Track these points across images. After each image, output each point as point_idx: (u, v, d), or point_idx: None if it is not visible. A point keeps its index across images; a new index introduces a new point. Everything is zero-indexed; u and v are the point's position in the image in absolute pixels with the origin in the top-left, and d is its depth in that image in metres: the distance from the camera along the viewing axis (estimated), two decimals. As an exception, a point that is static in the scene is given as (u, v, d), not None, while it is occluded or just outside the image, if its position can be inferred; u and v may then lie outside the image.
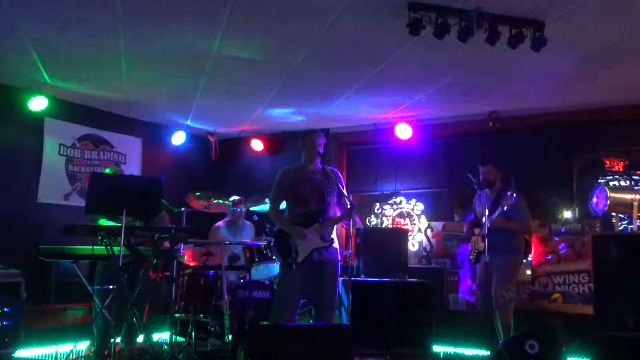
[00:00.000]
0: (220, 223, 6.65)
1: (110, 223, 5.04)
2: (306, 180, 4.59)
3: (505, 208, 5.14)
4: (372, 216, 7.83)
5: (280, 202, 4.70)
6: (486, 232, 5.24)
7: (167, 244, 4.95)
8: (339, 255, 4.66)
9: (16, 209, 6.41)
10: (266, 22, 4.64)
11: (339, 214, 4.67)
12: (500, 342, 5.12)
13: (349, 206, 4.48)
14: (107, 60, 5.61)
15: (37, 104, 6.48)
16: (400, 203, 7.82)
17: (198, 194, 6.22)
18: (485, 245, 5.26)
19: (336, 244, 4.65)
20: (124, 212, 4.45)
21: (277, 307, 4.57)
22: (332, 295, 4.57)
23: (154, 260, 5.21)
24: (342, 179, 4.72)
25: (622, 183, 6.32)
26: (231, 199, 6.53)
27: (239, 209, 6.56)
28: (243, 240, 6.41)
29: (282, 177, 4.66)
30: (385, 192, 7.99)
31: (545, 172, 7.00)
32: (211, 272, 5.79)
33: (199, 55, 5.37)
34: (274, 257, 5.62)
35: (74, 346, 5.23)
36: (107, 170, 6.05)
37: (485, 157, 5.69)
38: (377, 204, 7.84)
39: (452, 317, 6.29)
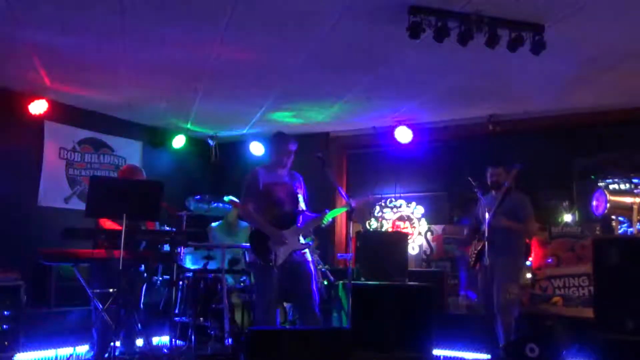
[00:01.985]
0: (213, 224, 6.65)
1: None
2: (278, 183, 4.64)
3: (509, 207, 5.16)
4: (372, 219, 7.83)
5: (253, 202, 4.64)
6: (487, 234, 5.23)
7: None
8: (309, 256, 4.71)
9: (16, 212, 6.41)
10: (266, 26, 4.65)
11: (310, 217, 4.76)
12: (501, 345, 5.11)
13: (352, 205, 4.55)
14: (107, 64, 5.61)
15: (37, 107, 6.48)
16: (400, 206, 7.82)
17: (198, 197, 6.22)
18: (485, 248, 5.26)
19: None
20: (124, 215, 4.46)
21: (259, 310, 4.56)
22: (312, 293, 4.58)
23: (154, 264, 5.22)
24: (303, 182, 4.80)
25: (622, 186, 6.31)
26: (226, 199, 6.52)
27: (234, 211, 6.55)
28: (239, 240, 6.41)
29: (253, 178, 4.66)
30: (385, 198, 7.98)
31: (546, 175, 7.00)
32: (211, 275, 5.79)
33: (199, 59, 5.38)
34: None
35: (74, 350, 5.22)
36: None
37: (496, 159, 5.69)
38: (377, 207, 7.84)
39: (452, 320, 6.28)
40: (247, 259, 5.72)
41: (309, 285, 4.59)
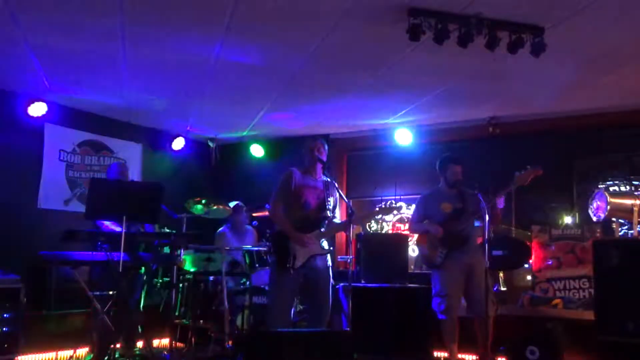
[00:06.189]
0: (224, 229, 6.65)
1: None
2: (310, 187, 4.64)
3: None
4: (372, 222, 7.82)
5: (283, 203, 4.66)
6: (485, 236, 5.11)
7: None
8: (330, 262, 4.72)
9: (16, 214, 6.40)
10: (266, 27, 4.65)
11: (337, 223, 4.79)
12: (502, 347, 5.09)
13: (348, 212, 4.53)
14: (108, 67, 5.61)
15: (37, 109, 6.48)
16: (400, 208, 7.80)
17: (198, 199, 6.22)
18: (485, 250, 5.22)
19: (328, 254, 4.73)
20: (124, 217, 4.46)
21: (273, 312, 4.56)
22: (327, 301, 4.61)
23: (154, 266, 5.21)
24: (338, 190, 4.78)
25: (623, 188, 6.31)
26: (232, 204, 6.53)
27: (241, 215, 6.59)
28: (247, 240, 6.41)
29: (286, 179, 4.64)
30: (385, 200, 7.96)
31: (546, 178, 6.98)
32: (211, 277, 5.78)
33: (199, 61, 5.38)
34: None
35: (74, 352, 5.22)
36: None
37: (458, 157, 5.69)
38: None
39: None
40: (248, 261, 5.73)
41: (327, 292, 4.61)
